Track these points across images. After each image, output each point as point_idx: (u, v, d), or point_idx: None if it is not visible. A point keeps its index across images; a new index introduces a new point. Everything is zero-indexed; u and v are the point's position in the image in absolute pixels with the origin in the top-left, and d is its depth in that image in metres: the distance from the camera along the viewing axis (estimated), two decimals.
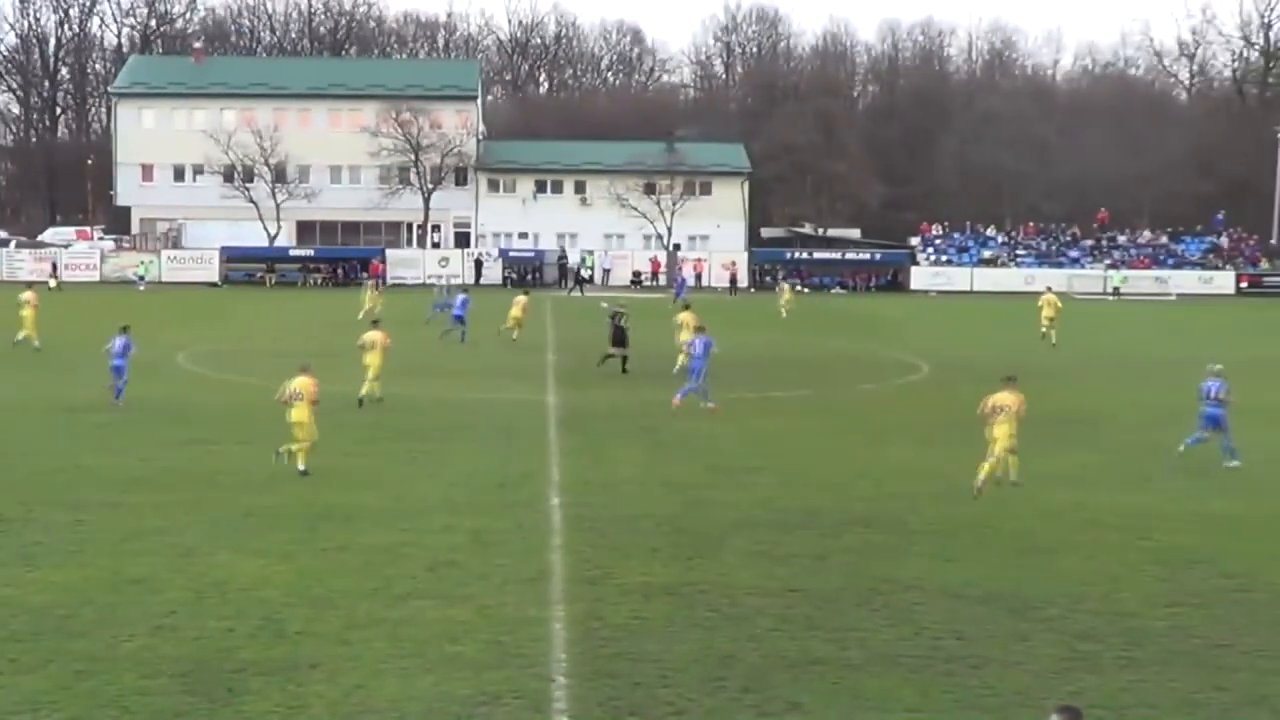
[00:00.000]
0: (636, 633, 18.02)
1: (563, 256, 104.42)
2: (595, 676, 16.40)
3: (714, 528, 23.88)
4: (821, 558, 21.94)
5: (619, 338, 46.66)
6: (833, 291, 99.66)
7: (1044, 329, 60.02)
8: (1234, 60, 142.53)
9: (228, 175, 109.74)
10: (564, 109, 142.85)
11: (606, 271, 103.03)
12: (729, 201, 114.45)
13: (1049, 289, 65.39)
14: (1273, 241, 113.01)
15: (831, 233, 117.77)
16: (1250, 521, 25.48)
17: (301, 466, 28.14)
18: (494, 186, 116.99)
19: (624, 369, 45.83)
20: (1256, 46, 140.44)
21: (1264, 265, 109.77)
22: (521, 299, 57.28)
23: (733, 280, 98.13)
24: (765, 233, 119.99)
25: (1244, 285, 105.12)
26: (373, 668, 16.60)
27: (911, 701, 15.77)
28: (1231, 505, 26.92)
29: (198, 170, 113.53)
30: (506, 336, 55.12)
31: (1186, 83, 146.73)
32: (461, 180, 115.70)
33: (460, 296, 58.22)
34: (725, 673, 16.56)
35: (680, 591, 19.88)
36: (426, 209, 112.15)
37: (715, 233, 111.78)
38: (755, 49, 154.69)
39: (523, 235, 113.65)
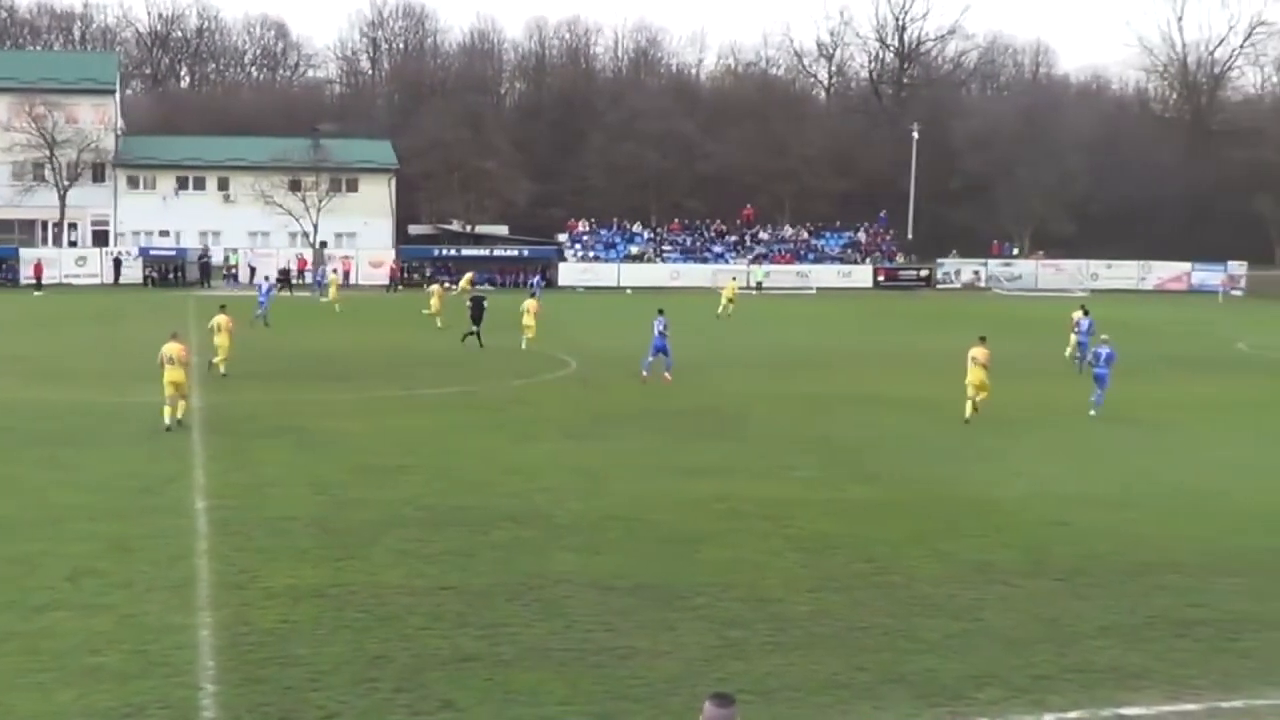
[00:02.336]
0: (285, 636, 17.72)
1: (205, 255, 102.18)
2: (244, 683, 16.06)
3: (362, 528, 23.65)
4: (470, 555, 21.92)
5: (477, 315, 55.53)
6: (481, 288, 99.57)
7: (721, 309, 72.93)
8: (870, 61, 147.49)
9: None
10: (207, 104, 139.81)
11: (252, 270, 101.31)
12: (376, 198, 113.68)
13: (733, 278, 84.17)
14: (909, 236, 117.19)
15: (480, 230, 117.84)
16: (887, 507, 26.33)
17: (174, 419, 33.33)
18: (134, 183, 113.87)
19: (481, 344, 54.30)
20: (891, 48, 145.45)
21: (900, 259, 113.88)
22: (531, 303, 57.22)
23: (393, 277, 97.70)
24: (413, 230, 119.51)
25: (881, 279, 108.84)
26: (8, 683, 15.96)
27: (563, 695, 15.85)
28: (869, 492, 27.80)
29: None
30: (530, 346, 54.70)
31: (826, 83, 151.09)
32: (99, 177, 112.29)
33: (265, 285, 67.40)
34: (377, 673, 16.40)
35: (329, 593, 19.63)
36: (63, 207, 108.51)
37: (363, 230, 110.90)
38: (402, 45, 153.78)
39: (164, 233, 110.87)
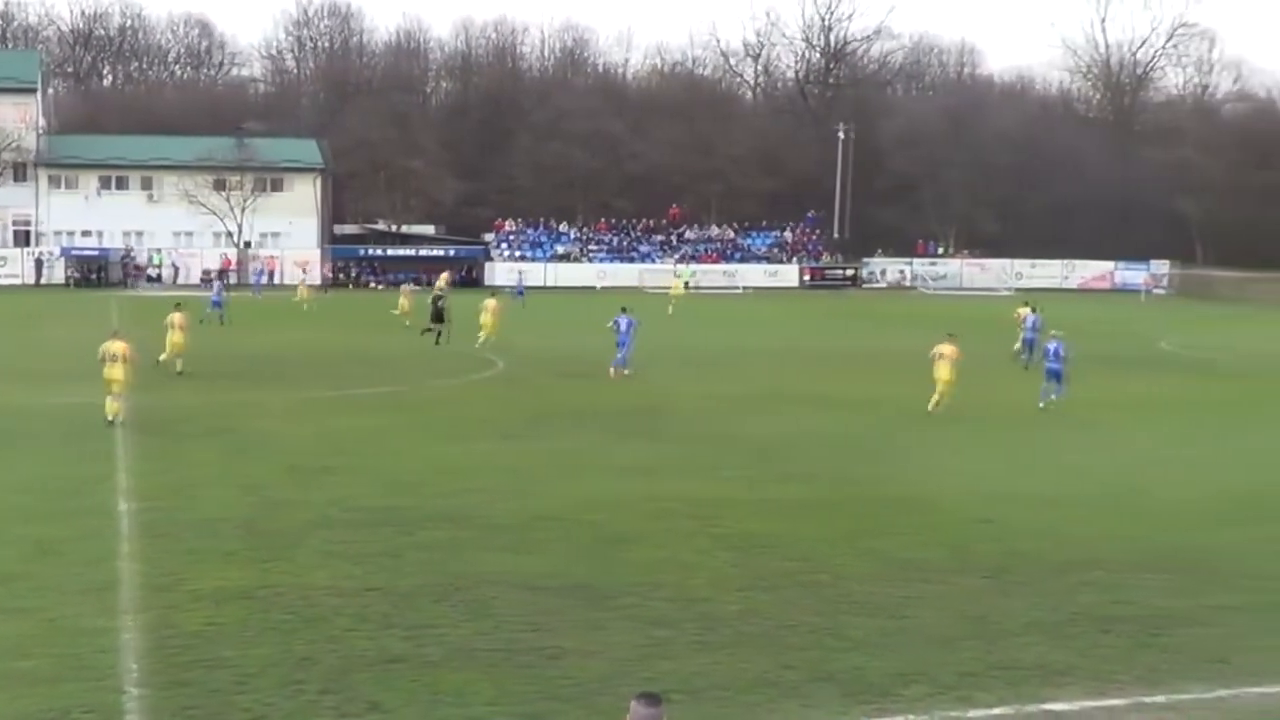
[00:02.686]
0: (212, 639, 17.59)
1: (128, 255, 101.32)
2: (169, 686, 15.94)
3: (290, 529, 23.52)
4: (398, 555, 21.84)
5: (438, 315, 57.57)
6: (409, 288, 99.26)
7: (673, 302, 78.37)
8: (797, 62, 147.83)
9: None
10: (131, 103, 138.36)
11: (176, 269, 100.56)
12: (303, 198, 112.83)
13: (677, 276, 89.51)
14: (835, 236, 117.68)
15: (407, 229, 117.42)
16: (815, 506, 26.44)
17: (110, 417, 33.95)
18: (56, 183, 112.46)
19: (437, 341, 56.25)
20: (818, 49, 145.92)
21: (826, 259, 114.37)
22: (491, 302, 58.51)
23: (325, 278, 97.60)
24: (340, 230, 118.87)
25: (808, 278, 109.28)
26: None
27: (490, 695, 15.81)
28: (798, 491, 27.90)
29: None
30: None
31: (753, 83, 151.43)
32: (21, 176, 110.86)
33: (217, 284, 72.03)
34: (304, 675, 16.31)
35: (256, 595, 19.51)
36: None
37: (289, 230, 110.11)
38: (329, 44, 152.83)
39: (87, 233, 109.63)
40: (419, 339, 57.88)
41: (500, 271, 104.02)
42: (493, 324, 57.02)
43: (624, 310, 48.97)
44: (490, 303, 58.47)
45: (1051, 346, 41.97)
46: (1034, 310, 55.70)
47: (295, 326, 65.74)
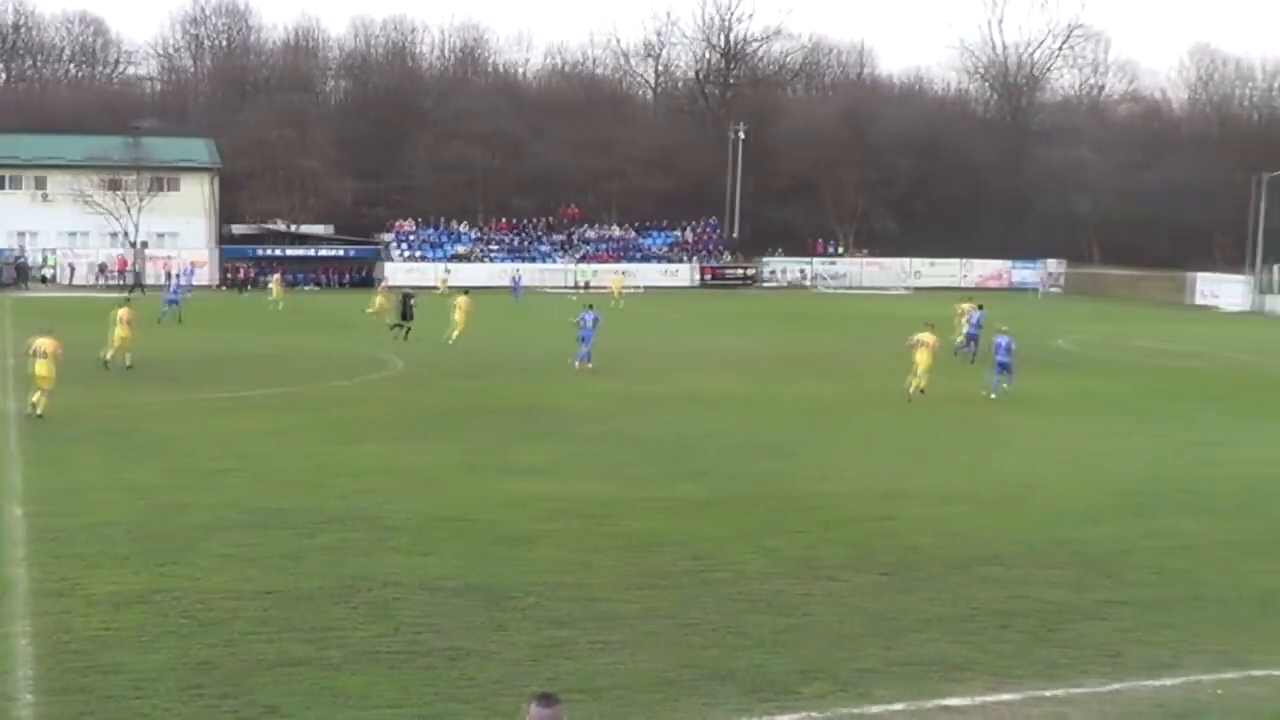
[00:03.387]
0: (108, 644, 17.38)
1: (19, 255, 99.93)
2: (65, 692, 15.73)
3: (185, 532, 23.28)
4: (297, 557, 21.69)
5: (406, 313, 60.49)
6: (306, 288, 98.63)
7: (615, 300, 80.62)
8: (696, 62, 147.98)
9: None
10: (22, 101, 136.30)
11: (71, 269, 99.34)
12: (197, 198, 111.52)
13: (621, 273, 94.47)
14: (734, 235, 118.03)
15: (304, 229, 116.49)
16: (714, 504, 26.53)
17: (39, 412, 35.03)
18: None
19: (405, 337, 58.56)
20: (717, 49, 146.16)
21: (725, 258, 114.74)
22: (463, 300, 60.44)
23: (237, 279, 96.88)
24: (236, 229, 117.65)
25: (707, 278, 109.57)
26: None
27: (392, 697, 15.74)
28: (696, 490, 27.98)
29: None
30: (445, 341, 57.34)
31: (652, 83, 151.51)
32: None
33: (174, 281, 73.95)
34: (202, 679, 16.15)
35: (152, 599, 19.30)
36: None
37: (184, 229, 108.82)
38: (224, 42, 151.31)
39: None
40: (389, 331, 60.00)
41: (399, 272, 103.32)
42: (464, 321, 58.63)
43: (589, 307, 51.94)
44: (462, 300, 60.15)
45: (1002, 341, 44.80)
46: (979, 307, 57.27)
47: (209, 327, 65.07)
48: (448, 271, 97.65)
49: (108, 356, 46.26)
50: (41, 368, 35.67)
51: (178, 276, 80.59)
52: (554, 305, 78.04)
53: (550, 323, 64.22)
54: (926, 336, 43.58)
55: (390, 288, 74.23)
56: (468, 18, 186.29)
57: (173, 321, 65.36)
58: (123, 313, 46.82)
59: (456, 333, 57.94)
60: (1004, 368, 44.27)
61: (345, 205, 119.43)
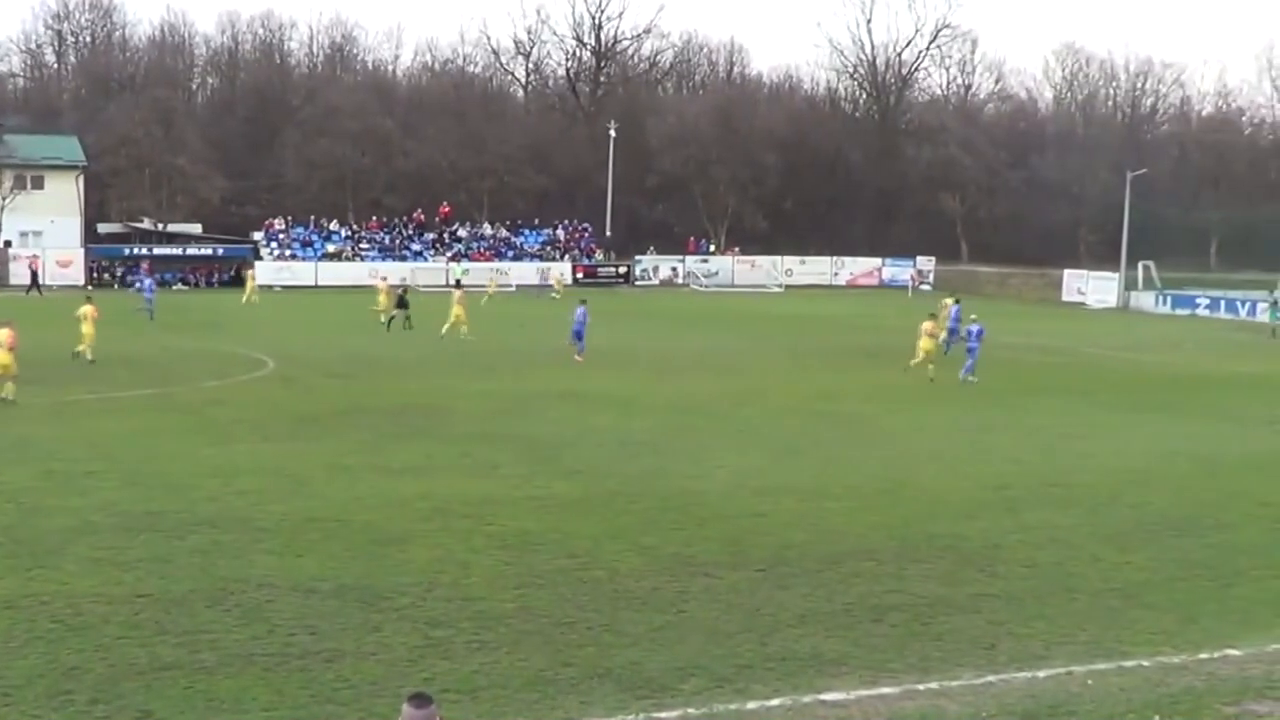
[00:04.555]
0: None
1: None
2: None
3: (53, 535, 22.89)
4: (168, 560, 21.40)
5: (402, 303, 65.75)
6: (175, 288, 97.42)
7: (557, 294, 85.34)
8: (567, 60, 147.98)
9: None
10: None
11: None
12: (63, 196, 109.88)
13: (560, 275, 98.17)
14: (607, 234, 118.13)
15: (172, 228, 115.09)
16: (590, 502, 26.53)
17: (10, 396, 38.14)
18: None
19: (405, 326, 63.59)
20: (588, 47, 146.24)
21: (599, 256, 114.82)
22: (458, 294, 63.76)
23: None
24: (103, 228, 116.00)
25: (580, 275, 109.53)
26: None
27: (267, 700, 15.58)
28: (572, 488, 27.96)
29: None
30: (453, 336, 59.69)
31: (523, 81, 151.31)
32: None
33: (148, 281, 74.89)
34: (72, 685, 15.89)
35: (19, 604, 18.95)
36: None
37: (49, 228, 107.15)
38: (89, 38, 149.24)
39: None
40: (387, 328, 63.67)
41: (270, 271, 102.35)
42: (462, 314, 61.30)
43: (583, 303, 55.19)
44: (457, 294, 63.46)
45: (974, 329, 49.16)
46: (956, 301, 61.06)
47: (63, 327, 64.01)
48: (465, 272, 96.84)
49: (78, 349, 48.75)
50: (2, 357, 38.72)
51: (149, 277, 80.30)
52: (424, 305, 77.65)
53: (420, 322, 63.89)
54: (930, 324, 49.20)
55: (393, 286, 75.69)
56: (337, 15, 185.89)
57: (145, 319, 67.48)
58: (88, 309, 49.46)
59: (464, 327, 60.89)
60: (971, 353, 48.39)
61: (214, 204, 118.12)
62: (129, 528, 23.55)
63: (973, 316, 52.37)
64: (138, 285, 78.13)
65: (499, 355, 53.79)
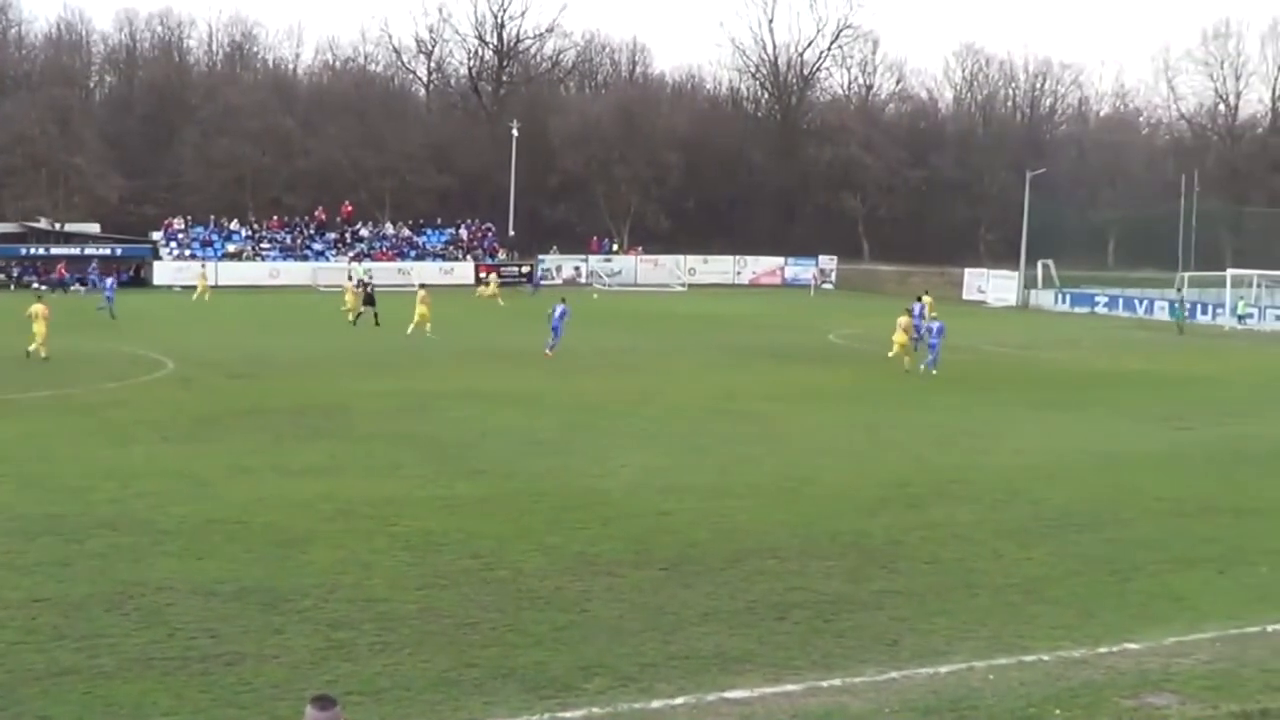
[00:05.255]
0: None
1: None
2: None
3: None
4: (66, 564, 21.14)
5: (369, 300, 68.26)
6: (73, 289, 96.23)
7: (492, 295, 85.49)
8: (470, 59, 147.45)
9: None
10: None
11: None
12: None
13: (494, 274, 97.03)
14: (510, 233, 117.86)
15: (70, 228, 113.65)
16: (493, 502, 26.49)
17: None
18: None
19: (376, 323, 65.43)
20: (491, 46, 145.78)
21: (501, 255, 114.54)
22: (422, 292, 64.61)
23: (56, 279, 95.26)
24: None
25: (483, 275, 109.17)
26: None
27: (167, 705, 15.44)
28: (475, 488, 27.90)
29: None
30: (419, 334, 60.59)
31: (425, 80, 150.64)
32: None
33: (108, 280, 76.51)
34: None
35: None
36: None
37: None
38: None
39: None
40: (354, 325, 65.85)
41: (169, 270, 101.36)
42: (426, 313, 61.92)
43: (562, 300, 57.49)
44: (422, 292, 64.16)
45: (936, 325, 52.98)
46: (922, 296, 66.87)
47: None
48: (368, 273, 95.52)
49: (30, 348, 49.31)
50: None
51: (108, 277, 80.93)
52: (326, 304, 77.21)
53: (323, 322, 63.54)
54: (904, 319, 53.52)
55: (359, 285, 76.55)
56: (236, 13, 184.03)
57: (107, 318, 68.65)
58: (39, 308, 50.37)
59: (428, 325, 61.32)
60: (932, 348, 51.21)
61: (112, 203, 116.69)
62: (26, 531, 23.25)
63: (933, 314, 58.15)
64: (96, 285, 79.89)
65: (398, 354, 53.54)
